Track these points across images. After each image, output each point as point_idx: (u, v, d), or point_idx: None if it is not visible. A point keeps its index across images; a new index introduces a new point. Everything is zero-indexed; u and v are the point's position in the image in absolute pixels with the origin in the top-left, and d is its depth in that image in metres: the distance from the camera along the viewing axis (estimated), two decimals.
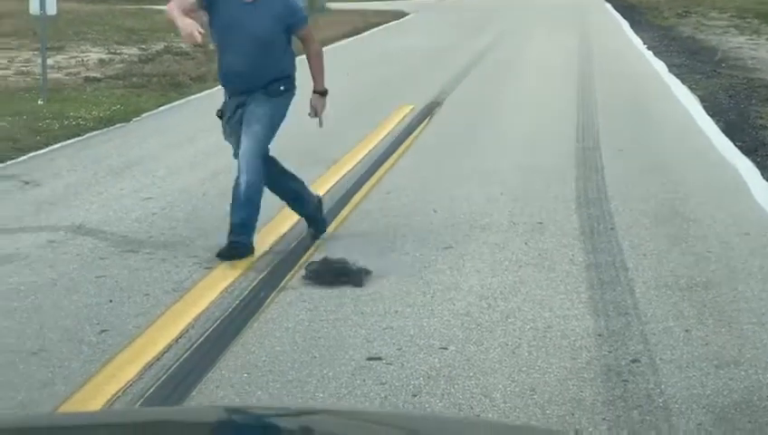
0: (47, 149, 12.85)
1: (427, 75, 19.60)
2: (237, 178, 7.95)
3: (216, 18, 7.95)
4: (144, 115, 15.64)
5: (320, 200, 8.61)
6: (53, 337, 6.38)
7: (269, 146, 8.06)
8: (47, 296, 7.15)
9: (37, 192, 10.40)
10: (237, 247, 7.92)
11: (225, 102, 8.15)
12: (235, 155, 8.10)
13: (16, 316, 6.78)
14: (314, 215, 8.50)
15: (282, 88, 8.06)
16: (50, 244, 8.43)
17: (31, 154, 12.51)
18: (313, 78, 8.21)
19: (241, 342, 6.32)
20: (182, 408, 4.82)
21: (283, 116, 8.09)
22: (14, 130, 13.85)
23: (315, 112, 8.23)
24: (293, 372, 5.83)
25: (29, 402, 5.48)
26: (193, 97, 17.62)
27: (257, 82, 7.96)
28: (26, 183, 10.80)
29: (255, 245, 8.06)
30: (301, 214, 8.55)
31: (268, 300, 7.07)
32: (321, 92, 8.22)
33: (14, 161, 12.07)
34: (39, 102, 16.21)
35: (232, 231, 7.95)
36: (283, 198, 8.42)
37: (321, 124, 8.30)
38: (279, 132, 8.16)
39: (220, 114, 8.16)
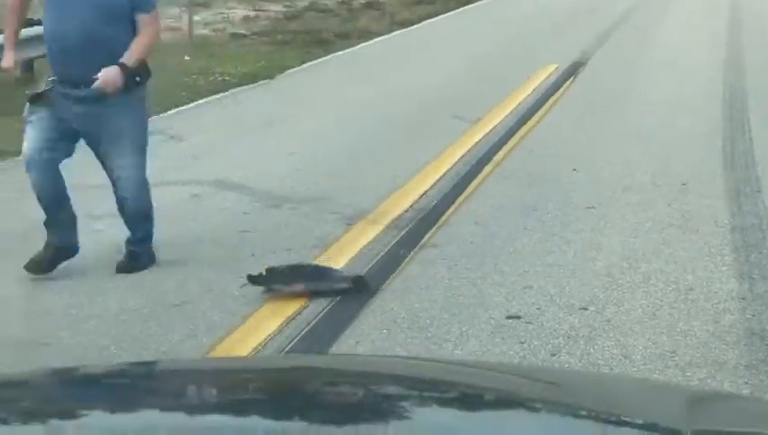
0: (193, 105, 13.05)
1: (569, 35, 19.35)
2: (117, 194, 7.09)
3: None
4: (288, 71, 15.76)
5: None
6: (196, 290, 6.49)
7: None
8: (191, 250, 7.27)
9: (182, 146, 10.57)
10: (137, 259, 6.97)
11: (49, 87, 6.69)
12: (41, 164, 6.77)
13: (160, 269, 6.91)
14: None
15: (137, 79, 6.73)
16: (194, 198, 8.56)
17: (177, 109, 12.72)
18: (131, 50, 6.63)
19: (381, 298, 6.34)
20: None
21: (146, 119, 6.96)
22: (161, 85, 14.05)
23: (104, 82, 6.56)
24: (433, 329, 5.83)
25: (172, 354, 5.59)
26: (337, 54, 17.69)
27: (90, 65, 6.51)
28: (172, 137, 10.98)
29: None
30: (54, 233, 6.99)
31: (408, 257, 7.08)
32: (125, 67, 6.60)
33: (160, 116, 12.27)
34: (186, 58, 16.46)
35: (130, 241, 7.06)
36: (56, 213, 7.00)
37: (100, 83, 6.57)
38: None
39: (36, 98, 6.70)
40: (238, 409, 1.66)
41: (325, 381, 1.87)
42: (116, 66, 6.54)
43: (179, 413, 1.65)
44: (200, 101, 13.26)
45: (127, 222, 7.08)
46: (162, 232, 7.64)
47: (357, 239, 7.45)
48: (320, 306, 6.23)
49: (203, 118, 12.20)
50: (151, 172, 9.37)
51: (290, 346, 5.69)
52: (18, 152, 10.02)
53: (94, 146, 6.87)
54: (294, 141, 10.59)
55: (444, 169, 9.32)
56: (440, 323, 5.92)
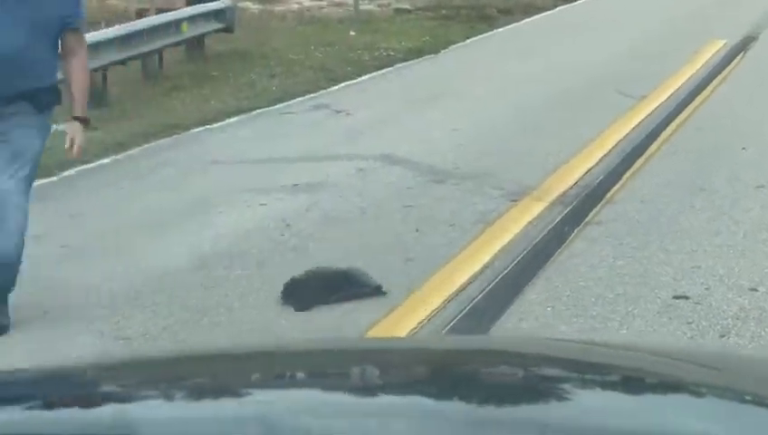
0: (358, 80, 13.15)
1: (737, 11, 18.88)
2: None
3: None
4: (452, 47, 15.74)
5: None
6: (361, 264, 6.53)
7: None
8: (355, 224, 7.34)
9: (348, 121, 10.66)
10: None
11: None
12: None
13: (325, 242, 6.99)
14: None
15: (52, 100, 5.89)
16: (359, 172, 8.63)
17: (343, 84, 12.83)
18: (74, 99, 5.92)
19: (545, 275, 6.30)
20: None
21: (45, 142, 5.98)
22: (327, 60, 14.22)
23: (71, 143, 5.91)
24: (597, 308, 5.78)
25: (336, 326, 5.65)
26: (500, 30, 17.60)
27: (24, 83, 5.69)
28: (338, 112, 11.08)
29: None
30: None
31: (573, 234, 7.02)
32: (82, 119, 5.98)
33: (326, 91, 12.41)
34: (351, 33, 16.57)
35: None
36: None
37: (75, 155, 6.10)
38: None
39: None
40: (396, 390, 1.67)
41: (484, 363, 1.87)
42: (75, 122, 5.89)
43: (340, 393, 1.66)
44: (365, 76, 13.35)
45: None
46: (328, 205, 7.74)
47: (521, 216, 7.42)
48: (484, 282, 6.22)
49: (368, 93, 12.28)
50: (318, 146, 9.56)
51: (453, 322, 5.70)
52: None
53: None
54: (458, 117, 10.58)
55: (609, 146, 9.21)
56: (605, 302, 5.86)
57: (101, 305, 6.01)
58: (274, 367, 1.84)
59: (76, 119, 5.90)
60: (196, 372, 1.80)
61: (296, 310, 5.86)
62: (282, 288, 6.03)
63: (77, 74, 5.89)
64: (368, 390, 1.66)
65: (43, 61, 5.74)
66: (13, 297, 5.86)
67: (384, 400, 1.61)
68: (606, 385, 1.76)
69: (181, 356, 2.02)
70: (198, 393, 1.65)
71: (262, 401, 1.59)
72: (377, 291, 6.03)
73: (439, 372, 1.80)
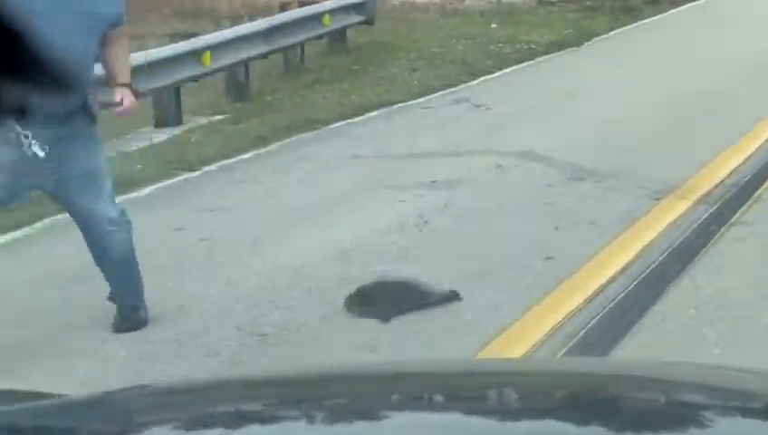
0: (498, 73, 13.04)
1: None
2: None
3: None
4: (595, 39, 15.52)
5: None
6: (499, 261, 6.46)
7: None
8: (494, 220, 7.26)
9: (487, 116, 10.58)
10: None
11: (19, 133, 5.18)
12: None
13: (463, 238, 6.92)
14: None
15: (96, 103, 5.48)
16: (498, 168, 8.54)
17: (483, 78, 12.74)
18: (119, 70, 5.67)
19: (689, 276, 6.15)
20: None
21: None
22: (467, 53, 14.14)
23: (121, 101, 5.66)
24: (743, 311, 5.61)
25: (475, 323, 5.58)
26: (645, 21, 17.30)
27: (82, 93, 5.19)
28: (477, 106, 11.00)
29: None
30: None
31: (718, 234, 6.84)
32: (128, 85, 5.71)
33: (466, 84, 12.34)
34: (492, 26, 16.46)
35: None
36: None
37: (123, 111, 5.76)
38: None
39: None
40: (509, 414, 1.61)
41: (607, 387, 1.79)
42: (124, 88, 5.66)
43: (455, 414, 1.61)
44: (506, 70, 13.23)
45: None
46: (466, 202, 7.68)
47: (664, 214, 7.25)
48: (626, 281, 6.10)
49: (509, 86, 12.17)
50: (457, 141, 9.50)
51: (593, 322, 5.59)
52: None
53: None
54: (601, 111, 10.42)
55: (757, 144, 8.96)
56: (751, 305, 5.69)
57: (239, 300, 6.05)
58: (395, 390, 1.80)
59: (123, 85, 5.63)
60: (314, 395, 1.77)
61: (375, 318, 5.71)
62: (345, 299, 5.90)
63: (121, 51, 5.63)
64: (491, 414, 1.61)
65: (92, 65, 5.43)
66: (149, 291, 5.92)
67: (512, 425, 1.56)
68: (733, 410, 1.68)
69: (301, 377, 1.99)
70: (318, 416, 1.62)
71: (385, 424, 1.54)
72: (451, 297, 5.87)
73: (561, 398, 1.73)
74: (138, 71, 10.04)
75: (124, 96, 5.62)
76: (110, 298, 5.83)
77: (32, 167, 5.21)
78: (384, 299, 5.83)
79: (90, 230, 5.58)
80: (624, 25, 16.83)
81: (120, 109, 5.68)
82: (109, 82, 5.74)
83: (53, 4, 5.00)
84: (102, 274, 5.74)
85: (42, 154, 5.16)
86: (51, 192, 5.53)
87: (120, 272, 5.73)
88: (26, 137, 5.13)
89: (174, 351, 5.42)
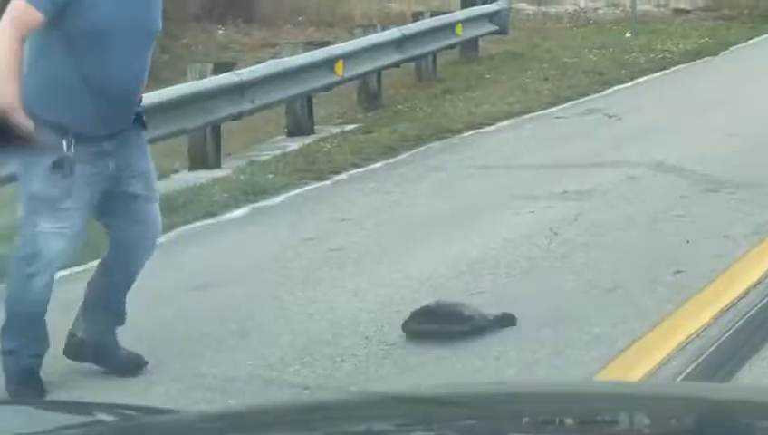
0: (632, 83, 12.91)
1: None
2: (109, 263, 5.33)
3: (93, 8, 4.90)
4: (732, 48, 15.27)
5: None
6: (629, 274, 6.39)
7: None
8: (624, 233, 7.18)
9: (619, 126, 10.48)
10: None
11: (65, 152, 4.88)
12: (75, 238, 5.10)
13: (594, 251, 6.86)
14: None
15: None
16: (630, 179, 8.45)
17: (615, 87, 12.63)
18: None
19: None
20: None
21: None
22: (600, 63, 14.03)
23: None
24: None
25: (603, 337, 5.54)
26: None
27: (136, 107, 5.21)
28: (609, 117, 10.90)
29: None
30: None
31: None
32: None
33: (598, 94, 12.25)
34: (627, 35, 16.31)
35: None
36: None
37: None
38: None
39: (61, 165, 4.88)
40: None
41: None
42: None
43: None
44: (640, 79, 13.10)
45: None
46: (597, 214, 7.62)
47: None
48: (759, 296, 5.98)
49: (642, 96, 12.03)
50: (588, 152, 9.42)
51: (724, 337, 5.49)
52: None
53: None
54: (736, 122, 10.24)
55: None
56: None
57: (367, 310, 6.08)
58: (514, 412, 1.80)
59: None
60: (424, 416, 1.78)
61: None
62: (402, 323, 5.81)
63: None
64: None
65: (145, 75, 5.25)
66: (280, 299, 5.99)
67: None
68: None
69: (429, 397, 1.99)
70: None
71: None
72: (507, 322, 5.74)
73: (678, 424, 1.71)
74: (270, 79, 10.21)
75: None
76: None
77: (103, 180, 5.03)
78: (441, 321, 5.74)
79: (143, 237, 5.25)
80: (762, 34, 16.53)
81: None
82: None
83: (119, 22, 4.91)
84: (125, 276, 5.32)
85: (113, 166, 5.02)
86: (110, 199, 5.11)
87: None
88: (102, 153, 4.97)
89: (301, 359, 5.47)
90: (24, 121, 4.55)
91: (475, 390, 2.20)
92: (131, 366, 5.33)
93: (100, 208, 5.14)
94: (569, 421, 1.72)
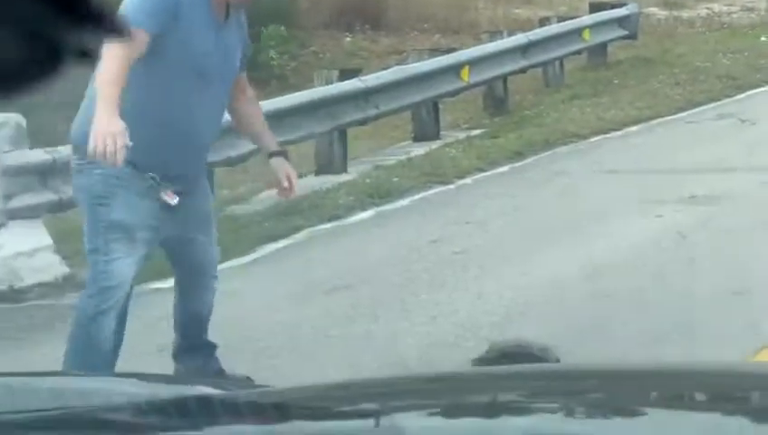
0: (766, 88, 12.65)
1: None
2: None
3: (183, 47, 4.60)
4: None
5: None
6: (758, 279, 6.24)
7: None
8: (754, 238, 7.03)
9: (752, 131, 10.29)
10: None
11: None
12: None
13: (722, 255, 6.73)
14: None
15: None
16: (761, 185, 8.27)
17: (749, 92, 12.40)
18: (264, 136, 5.02)
19: None
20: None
21: None
22: (734, 67, 13.77)
23: (288, 180, 4.88)
24: None
25: (733, 341, 5.42)
26: None
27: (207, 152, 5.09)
28: (742, 121, 10.70)
29: None
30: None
31: None
32: (282, 152, 5.01)
33: (731, 99, 12.03)
34: (762, 39, 15.99)
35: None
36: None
37: (292, 192, 4.99)
38: None
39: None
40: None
41: None
42: (279, 158, 4.95)
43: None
44: None
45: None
46: (727, 218, 7.48)
47: None
48: None
49: None
50: (719, 157, 9.26)
51: None
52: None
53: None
54: None
55: None
56: None
57: (490, 313, 6.05)
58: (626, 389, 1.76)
59: (278, 154, 4.94)
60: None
61: None
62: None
63: (255, 110, 5.05)
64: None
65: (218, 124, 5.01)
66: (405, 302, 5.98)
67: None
68: None
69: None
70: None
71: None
72: None
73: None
74: (395, 85, 10.25)
75: (288, 170, 4.88)
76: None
77: (165, 216, 4.73)
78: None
79: (200, 277, 4.98)
80: None
81: (285, 193, 4.96)
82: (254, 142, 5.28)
83: (211, 61, 4.65)
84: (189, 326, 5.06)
85: (175, 202, 4.69)
86: (170, 241, 4.87)
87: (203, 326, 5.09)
88: (164, 187, 4.67)
89: (422, 361, 5.46)
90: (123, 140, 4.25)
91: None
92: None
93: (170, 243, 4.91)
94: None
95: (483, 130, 11.28)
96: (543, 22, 14.20)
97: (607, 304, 6.04)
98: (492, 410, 1.54)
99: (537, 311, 6.02)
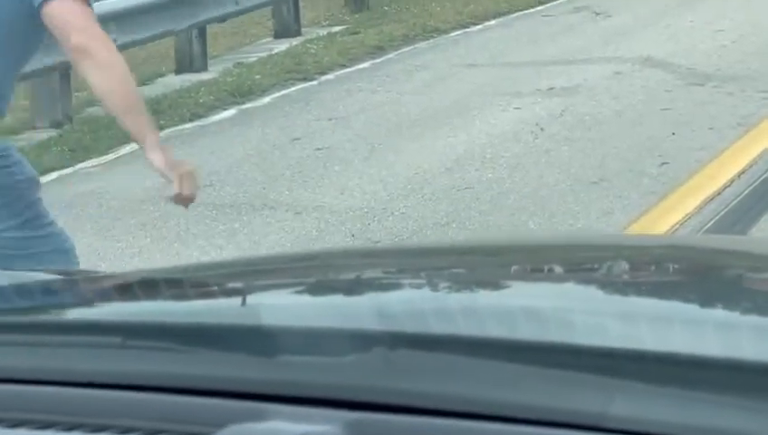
0: None
1: None
2: None
3: None
4: None
5: None
6: (614, 167, 6.42)
7: None
8: (610, 127, 7.20)
9: (607, 24, 10.44)
10: None
11: None
12: None
13: (579, 146, 6.89)
14: None
15: None
16: (616, 75, 8.44)
17: None
18: (122, 117, 3.45)
19: None
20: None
21: None
22: None
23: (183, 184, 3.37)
24: None
25: (588, 230, 5.58)
26: None
27: None
28: (597, 14, 10.85)
29: None
30: None
31: None
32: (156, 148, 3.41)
33: None
34: None
35: None
36: None
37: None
38: None
39: None
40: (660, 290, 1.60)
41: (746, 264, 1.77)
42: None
43: (592, 288, 1.61)
44: None
45: None
46: (583, 109, 7.62)
47: None
48: (742, 186, 6.01)
49: None
50: (576, 49, 9.41)
51: (707, 226, 5.54)
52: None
53: None
54: (724, 18, 10.19)
55: None
56: None
57: (353, 208, 6.12)
58: (527, 259, 1.81)
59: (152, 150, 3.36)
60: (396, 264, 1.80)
61: None
62: None
63: (93, 76, 3.39)
64: (617, 285, 1.60)
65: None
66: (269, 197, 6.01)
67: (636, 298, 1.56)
68: None
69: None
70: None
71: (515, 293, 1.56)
72: None
73: (695, 272, 1.72)
74: None
75: (179, 175, 3.36)
76: None
77: None
78: None
79: None
80: None
81: (178, 198, 3.47)
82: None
83: None
84: None
85: None
86: None
87: None
88: None
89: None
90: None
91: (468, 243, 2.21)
92: None
93: None
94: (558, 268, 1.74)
95: (344, 27, 11.25)
96: None
97: (467, 195, 6.15)
98: (352, 288, 1.58)
99: (399, 204, 6.10)
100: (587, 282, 1.62)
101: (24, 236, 3.46)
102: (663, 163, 6.40)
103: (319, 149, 7.15)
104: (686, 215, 5.68)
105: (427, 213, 5.98)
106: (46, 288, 1.72)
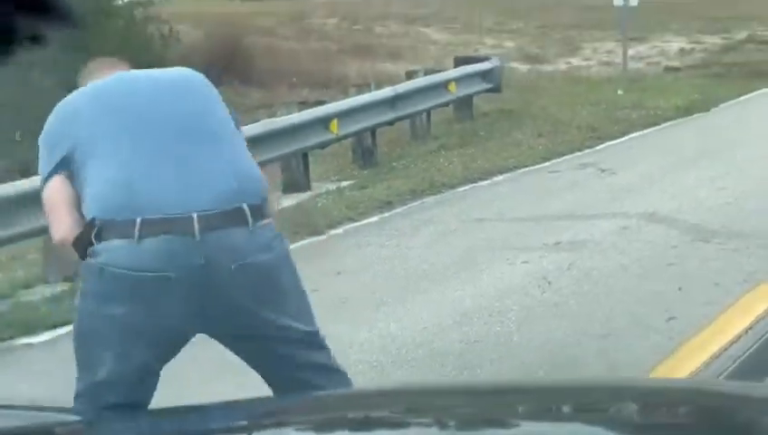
0: (624, 138, 13.05)
1: None
2: None
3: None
4: (723, 105, 15.43)
5: None
6: (622, 322, 6.47)
7: None
8: (617, 282, 7.27)
9: (612, 180, 10.60)
10: None
11: None
12: None
13: (586, 299, 6.95)
14: None
15: None
16: (622, 230, 8.55)
17: (608, 142, 12.77)
18: None
19: None
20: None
21: None
22: (594, 119, 14.17)
23: None
24: None
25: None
26: None
27: None
28: (602, 171, 11.02)
29: None
30: None
31: None
32: None
33: (592, 150, 12.37)
34: (618, 92, 16.47)
35: None
36: None
37: None
38: None
39: None
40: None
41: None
42: None
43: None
44: (632, 135, 13.24)
45: None
46: (590, 263, 7.70)
47: None
48: (749, 342, 6.05)
49: (634, 151, 12.16)
50: (582, 205, 9.53)
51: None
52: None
53: None
54: (727, 175, 10.35)
55: None
56: None
57: (362, 361, 6.14)
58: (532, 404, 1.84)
59: None
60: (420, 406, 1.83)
61: None
62: None
63: None
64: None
65: None
66: None
67: None
68: None
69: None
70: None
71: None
72: None
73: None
74: (265, 138, 10.32)
75: None
76: None
77: None
78: None
79: None
80: (754, 90, 16.70)
81: None
82: None
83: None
84: None
85: None
86: None
87: None
88: None
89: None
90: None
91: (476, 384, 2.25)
92: None
93: None
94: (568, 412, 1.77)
95: (352, 182, 11.42)
96: (410, 75, 14.44)
97: (476, 348, 6.19)
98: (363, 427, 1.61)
99: (408, 357, 6.13)
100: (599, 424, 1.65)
101: None
102: (670, 318, 6.45)
103: (327, 303, 7.19)
104: (693, 371, 5.70)
105: (435, 366, 6.00)
106: None
